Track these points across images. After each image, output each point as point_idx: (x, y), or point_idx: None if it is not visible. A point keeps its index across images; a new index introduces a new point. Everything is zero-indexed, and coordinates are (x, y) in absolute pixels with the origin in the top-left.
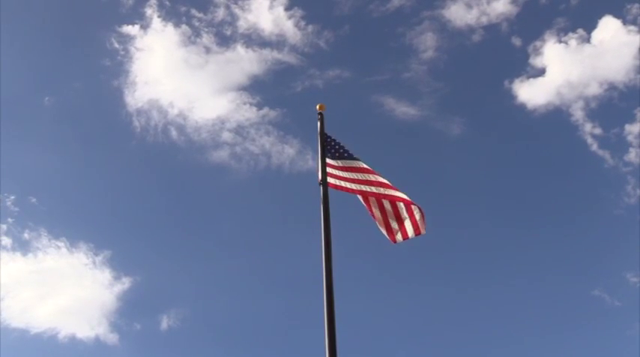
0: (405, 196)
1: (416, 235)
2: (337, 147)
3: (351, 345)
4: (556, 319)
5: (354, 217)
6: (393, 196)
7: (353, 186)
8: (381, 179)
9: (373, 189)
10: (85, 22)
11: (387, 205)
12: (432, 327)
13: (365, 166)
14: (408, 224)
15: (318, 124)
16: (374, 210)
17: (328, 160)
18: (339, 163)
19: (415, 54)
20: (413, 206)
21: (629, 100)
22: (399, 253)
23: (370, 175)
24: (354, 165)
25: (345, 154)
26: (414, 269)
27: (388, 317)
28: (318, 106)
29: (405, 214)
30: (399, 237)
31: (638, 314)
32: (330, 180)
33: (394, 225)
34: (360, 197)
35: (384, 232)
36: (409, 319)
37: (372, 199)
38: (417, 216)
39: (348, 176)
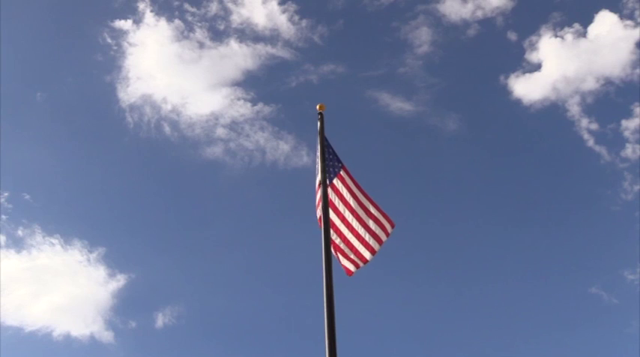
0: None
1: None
2: (331, 157)
3: (350, 344)
4: (554, 316)
5: None
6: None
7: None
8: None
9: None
10: (77, 17)
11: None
12: (431, 325)
13: (343, 183)
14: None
15: (318, 124)
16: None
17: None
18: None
19: (410, 49)
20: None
21: (625, 96)
22: (398, 252)
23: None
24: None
25: (330, 173)
26: (412, 267)
27: (388, 316)
28: (318, 106)
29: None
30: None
31: (635, 312)
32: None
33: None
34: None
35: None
36: (408, 318)
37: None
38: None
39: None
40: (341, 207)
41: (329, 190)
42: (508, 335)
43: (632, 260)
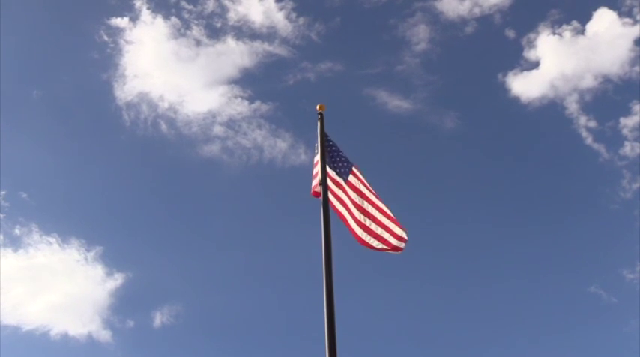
0: (391, 215)
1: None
2: (336, 155)
3: (350, 344)
4: (552, 316)
5: None
6: (381, 222)
7: (343, 211)
8: (371, 197)
9: (361, 218)
10: (74, 15)
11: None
12: (430, 324)
13: (357, 179)
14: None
15: (318, 124)
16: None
17: (328, 170)
18: (337, 178)
19: (408, 46)
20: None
21: (624, 93)
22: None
23: (362, 193)
24: (344, 185)
25: (342, 170)
26: (410, 266)
27: (388, 316)
28: (318, 106)
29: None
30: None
31: (634, 311)
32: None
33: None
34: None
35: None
36: (408, 317)
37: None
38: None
39: (342, 197)
40: (358, 199)
41: (345, 187)
42: (507, 334)
43: (631, 259)
